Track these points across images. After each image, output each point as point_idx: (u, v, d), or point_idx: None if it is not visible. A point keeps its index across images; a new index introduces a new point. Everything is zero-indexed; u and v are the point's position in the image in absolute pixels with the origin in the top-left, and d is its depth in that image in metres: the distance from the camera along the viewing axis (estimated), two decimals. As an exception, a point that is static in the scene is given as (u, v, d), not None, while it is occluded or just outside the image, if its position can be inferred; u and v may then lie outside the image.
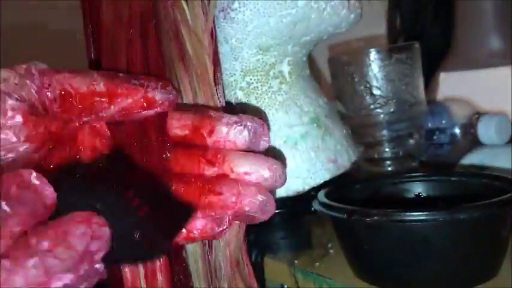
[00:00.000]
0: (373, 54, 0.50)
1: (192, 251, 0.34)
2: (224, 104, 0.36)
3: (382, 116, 0.51)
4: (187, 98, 0.35)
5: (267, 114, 0.42)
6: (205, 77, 0.36)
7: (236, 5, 0.38)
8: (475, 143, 0.54)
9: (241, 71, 0.42)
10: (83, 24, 0.39)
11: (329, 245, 0.44)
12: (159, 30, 0.35)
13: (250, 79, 0.42)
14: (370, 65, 0.50)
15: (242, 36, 0.40)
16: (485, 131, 0.53)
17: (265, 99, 0.42)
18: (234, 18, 0.38)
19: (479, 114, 0.55)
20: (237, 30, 0.39)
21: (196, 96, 0.35)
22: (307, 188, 0.41)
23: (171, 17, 0.35)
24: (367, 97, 0.51)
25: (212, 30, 0.37)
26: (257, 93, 0.42)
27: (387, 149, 0.53)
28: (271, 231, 0.44)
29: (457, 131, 0.56)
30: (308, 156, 0.42)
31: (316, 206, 0.38)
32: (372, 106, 0.51)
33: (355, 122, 0.52)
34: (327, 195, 0.38)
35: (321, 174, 0.42)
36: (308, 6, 0.39)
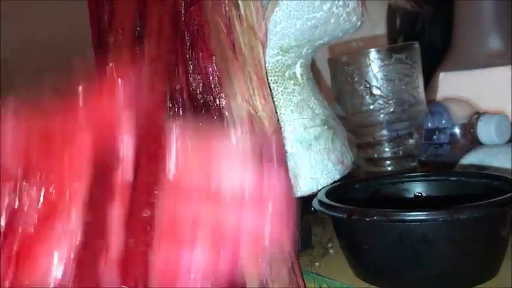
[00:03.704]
0: (372, 54, 0.50)
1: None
2: (272, 99, 0.35)
3: (382, 116, 0.51)
4: (242, 95, 0.34)
5: (283, 115, 0.42)
6: (261, 74, 0.34)
7: None
8: (474, 142, 0.54)
9: None
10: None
11: (329, 245, 0.44)
12: (207, 27, 0.34)
13: (267, 79, 0.42)
14: (369, 65, 0.50)
15: (268, 37, 0.40)
16: (485, 130, 0.53)
17: (280, 100, 0.42)
18: (266, 18, 0.38)
19: (479, 114, 0.55)
20: None
21: (251, 95, 0.34)
22: (320, 188, 0.42)
23: (223, 11, 0.34)
24: (367, 97, 0.51)
25: (267, 26, 0.36)
26: (272, 94, 0.42)
27: (387, 149, 0.53)
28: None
29: (457, 130, 0.56)
30: (321, 157, 0.42)
31: (316, 205, 0.38)
32: (371, 106, 0.51)
33: (355, 122, 0.52)
34: (327, 195, 0.38)
35: (332, 175, 0.43)
36: (330, 11, 0.40)
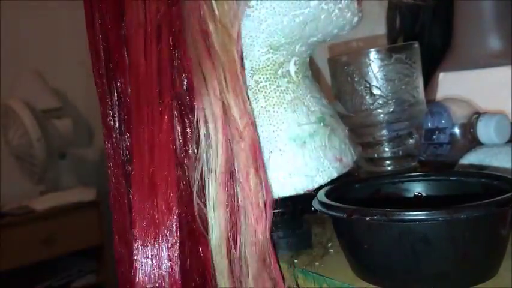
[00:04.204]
0: (372, 54, 0.50)
1: (217, 248, 0.34)
2: (248, 100, 0.36)
3: (381, 115, 0.51)
4: (215, 92, 0.35)
5: (276, 113, 0.42)
6: (234, 71, 0.35)
7: (253, 2, 0.38)
8: (474, 142, 0.54)
9: (251, 69, 0.42)
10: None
11: (329, 245, 0.44)
12: (182, 27, 0.35)
13: (259, 78, 0.42)
14: (369, 65, 0.50)
15: (255, 34, 0.40)
16: (485, 130, 0.53)
17: (273, 97, 0.42)
18: (249, 15, 0.39)
19: (478, 114, 0.55)
20: (251, 28, 0.39)
21: (224, 92, 0.35)
22: (316, 185, 0.42)
23: (198, 12, 0.35)
24: (367, 97, 0.51)
25: (240, 24, 0.37)
26: (265, 92, 0.42)
27: (387, 149, 0.53)
28: (271, 230, 0.44)
29: (457, 130, 0.56)
30: (317, 155, 0.42)
31: (316, 205, 0.38)
32: (371, 106, 0.51)
33: (355, 122, 0.52)
34: (326, 195, 0.38)
35: (328, 173, 0.42)
36: (319, 7, 0.40)
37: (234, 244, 0.34)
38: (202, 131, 0.35)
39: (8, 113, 1.62)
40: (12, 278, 1.55)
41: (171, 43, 0.35)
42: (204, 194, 0.35)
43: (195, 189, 0.35)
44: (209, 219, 0.35)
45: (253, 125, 0.36)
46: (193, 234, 0.36)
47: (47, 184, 1.79)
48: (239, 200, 0.35)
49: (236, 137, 0.35)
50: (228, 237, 0.34)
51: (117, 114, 0.38)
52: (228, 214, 0.35)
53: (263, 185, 0.36)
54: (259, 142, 0.37)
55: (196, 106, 0.35)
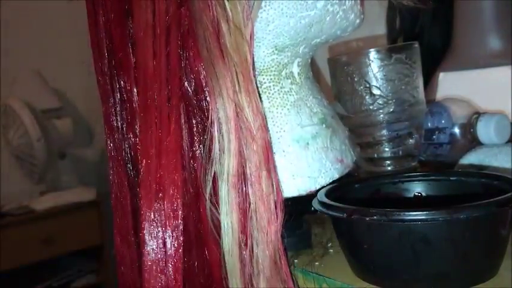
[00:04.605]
0: (372, 54, 0.50)
1: (229, 250, 0.34)
2: (259, 100, 0.36)
3: (381, 115, 0.51)
4: (228, 93, 0.34)
5: (279, 114, 0.42)
6: (247, 72, 0.35)
7: (262, 3, 0.38)
8: (474, 142, 0.54)
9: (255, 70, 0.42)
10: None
11: (329, 245, 0.44)
12: (192, 28, 0.35)
13: (263, 78, 0.42)
14: (369, 65, 0.50)
15: (262, 35, 0.40)
16: (485, 130, 0.53)
17: (277, 99, 0.42)
18: (257, 16, 0.39)
19: (478, 114, 0.55)
20: (258, 29, 0.39)
21: (237, 93, 0.34)
22: (318, 187, 0.42)
23: (210, 12, 0.35)
24: (367, 97, 0.51)
25: (253, 25, 0.36)
26: (269, 93, 0.42)
27: (387, 149, 0.53)
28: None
29: (457, 130, 0.56)
30: (319, 156, 0.42)
31: (316, 205, 0.38)
32: (371, 106, 0.51)
33: (354, 122, 0.52)
34: (326, 195, 0.38)
35: (330, 174, 0.42)
36: (325, 9, 0.40)
37: (245, 246, 0.34)
38: (215, 132, 0.34)
39: (8, 112, 1.62)
40: (12, 278, 1.55)
41: (180, 44, 0.35)
42: (216, 197, 0.35)
43: (207, 191, 0.35)
44: (222, 222, 0.35)
45: (266, 126, 0.36)
46: (200, 236, 0.35)
47: (47, 184, 1.79)
48: (251, 202, 0.35)
49: (249, 139, 0.34)
50: (240, 239, 0.34)
51: (120, 113, 0.38)
52: (240, 216, 0.34)
53: (274, 186, 0.35)
54: (271, 144, 0.36)
55: (210, 107, 0.35)
